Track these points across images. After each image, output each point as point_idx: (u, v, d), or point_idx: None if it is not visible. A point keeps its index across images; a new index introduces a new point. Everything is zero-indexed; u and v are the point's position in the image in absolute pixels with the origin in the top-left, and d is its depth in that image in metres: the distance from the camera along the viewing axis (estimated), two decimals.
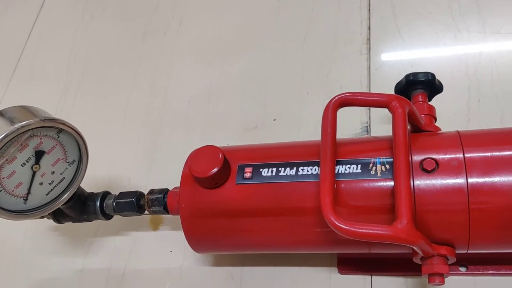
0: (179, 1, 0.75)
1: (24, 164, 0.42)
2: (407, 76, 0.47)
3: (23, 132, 0.41)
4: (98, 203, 0.50)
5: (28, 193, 0.44)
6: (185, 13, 0.74)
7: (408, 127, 0.43)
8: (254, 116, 0.61)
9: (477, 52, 0.58)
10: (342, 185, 0.40)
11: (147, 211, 0.50)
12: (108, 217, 0.51)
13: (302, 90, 0.61)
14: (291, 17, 0.68)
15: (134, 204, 0.49)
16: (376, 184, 0.39)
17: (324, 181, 0.38)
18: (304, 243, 0.43)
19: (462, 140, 0.40)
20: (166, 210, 0.48)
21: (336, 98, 0.41)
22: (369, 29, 0.64)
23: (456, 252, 0.40)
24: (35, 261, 0.58)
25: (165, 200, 0.48)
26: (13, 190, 0.43)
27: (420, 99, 0.47)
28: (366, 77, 0.60)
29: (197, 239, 0.46)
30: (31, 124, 0.41)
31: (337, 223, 0.36)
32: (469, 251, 0.41)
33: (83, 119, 0.65)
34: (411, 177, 0.38)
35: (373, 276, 0.48)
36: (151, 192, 0.49)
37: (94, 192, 0.51)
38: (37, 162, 0.43)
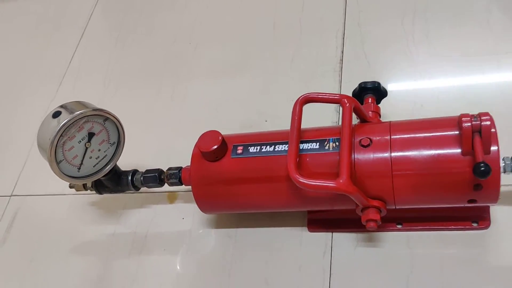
0: (195, 31, 0.94)
1: (80, 141, 0.59)
2: (360, 84, 0.63)
3: (80, 118, 0.58)
4: (129, 177, 0.67)
5: (81, 163, 0.61)
6: (200, 40, 0.92)
7: (357, 120, 0.60)
8: (250, 119, 0.78)
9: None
10: (307, 158, 0.56)
11: (166, 183, 0.66)
12: (136, 188, 0.68)
13: (288, 98, 0.78)
14: (282, 44, 0.85)
15: (157, 177, 0.66)
16: (329, 155, 0.55)
17: (291, 153, 0.54)
18: (280, 202, 0.59)
19: (391, 126, 0.56)
20: (181, 182, 0.65)
21: (303, 96, 0.57)
22: (342, 52, 0.81)
23: (387, 207, 0.56)
24: (77, 228, 0.75)
25: (180, 174, 0.64)
26: (71, 160, 0.60)
27: (370, 101, 0.63)
28: (338, 89, 0.77)
29: (203, 201, 0.62)
30: (86, 112, 0.58)
31: (298, 179, 0.52)
32: (397, 207, 0.56)
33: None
34: (353, 150, 0.54)
35: (333, 233, 0.63)
36: (169, 169, 0.66)
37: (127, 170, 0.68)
38: (89, 140, 0.60)
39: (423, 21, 0.78)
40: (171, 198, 0.74)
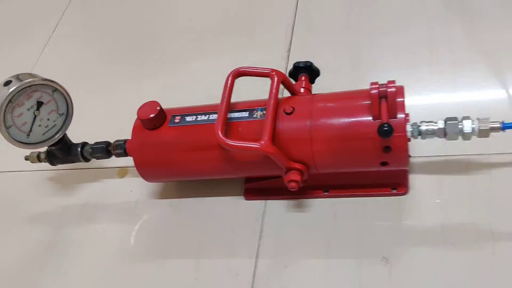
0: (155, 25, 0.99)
1: (29, 109, 0.64)
2: (294, 64, 0.68)
3: (29, 86, 0.62)
4: (79, 148, 0.71)
5: (30, 131, 0.65)
6: (160, 31, 0.98)
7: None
8: (200, 101, 0.83)
9: None
10: (238, 126, 0.61)
11: (113, 154, 0.70)
12: (86, 159, 0.72)
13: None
14: (235, 33, 0.91)
15: (104, 148, 0.70)
16: (256, 122, 0.60)
17: (219, 118, 0.59)
18: (214, 168, 0.64)
19: (313, 97, 0.61)
20: (125, 153, 0.69)
21: (235, 69, 0.62)
22: (290, 43, 0.86)
23: (310, 171, 0.60)
24: (32, 200, 0.79)
25: (125, 145, 0.69)
26: (20, 127, 0.64)
27: (303, 79, 0.68)
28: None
29: (144, 168, 0.67)
30: (35, 81, 0.63)
31: (224, 140, 0.57)
32: (318, 171, 0.61)
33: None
34: (277, 117, 0.59)
35: (268, 201, 0.68)
36: (117, 140, 0.70)
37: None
38: (38, 109, 0.64)
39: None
40: (122, 173, 0.78)
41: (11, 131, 0.63)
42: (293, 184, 0.59)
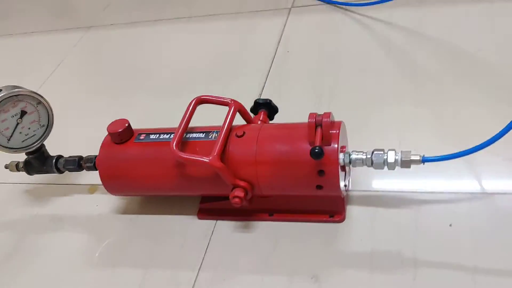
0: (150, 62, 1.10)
1: (13, 116, 0.71)
2: (255, 100, 0.76)
3: (16, 95, 0.71)
4: (54, 160, 0.78)
5: (11, 136, 0.72)
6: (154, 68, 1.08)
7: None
8: None
9: None
10: (195, 146, 0.68)
11: (83, 167, 0.77)
12: (59, 171, 0.78)
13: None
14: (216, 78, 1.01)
15: (76, 162, 0.77)
16: (211, 142, 0.66)
17: (176, 135, 0.66)
18: (170, 184, 0.70)
19: (262, 126, 0.69)
20: (95, 166, 0.76)
21: (196, 97, 0.70)
22: (263, 88, 0.95)
23: (256, 191, 0.66)
24: (7, 208, 0.85)
25: (95, 159, 0.76)
26: (2, 131, 0.71)
27: (262, 115, 0.75)
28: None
29: (108, 180, 0.73)
30: (22, 91, 0.71)
31: (177, 152, 0.64)
32: (263, 192, 0.67)
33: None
34: (229, 139, 0.66)
35: (218, 220, 0.73)
36: (89, 155, 0.77)
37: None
38: (21, 117, 0.72)
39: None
40: (92, 190, 0.84)
41: None
42: (236, 200, 0.65)
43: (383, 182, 0.72)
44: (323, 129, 0.61)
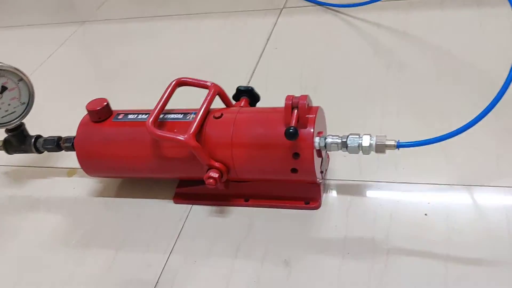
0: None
1: None
2: (237, 87, 0.76)
3: None
4: (33, 139, 0.77)
5: None
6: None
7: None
8: None
9: None
10: (173, 126, 0.67)
11: (62, 146, 0.76)
12: (37, 150, 0.78)
13: None
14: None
15: (55, 141, 0.77)
16: (188, 123, 0.66)
17: (152, 113, 0.66)
18: (146, 164, 0.69)
19: (240, 109, 0.68)
20: (73, 146, 0.75)
21: (176, 79, 0.70)
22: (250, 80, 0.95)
23: (231, 174, 0.66)
24: None
25: (73, 139, 0.75)
26: None
27: (243, 102, 0.75)
28: None
29: (85, 160, 0.72)
30: (3, 66, 0.71)
31: (153, 129, 0.64)
32: (238, 174, 0.66)
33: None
34: (206, 121, 0.66)
35: (194, 205, 0.72)
36: (68, 136, 0.77)
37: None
38: (1, 93, 0.72)
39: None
40: (71, 173, 0.84)
41: None
42: (211, 181, 0.64)
43: (361, 172, 0.71)
44: (299, 111, 0.61)
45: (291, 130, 0.59)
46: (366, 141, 0.60)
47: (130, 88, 1.02)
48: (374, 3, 1.06)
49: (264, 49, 1.04)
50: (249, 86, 0.76)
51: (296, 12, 1.15)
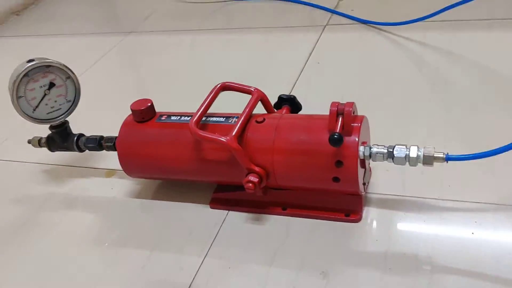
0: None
1: (41, 87, 0.73)
2: (279, 96, 0.76)
3: (46, 65, 0.72)
4: (75, 137, 0.78)
5: (37, 106, 0.73)
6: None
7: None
8: None
9: None
10: (216, 129, 0.66)
11: (103, 145, 0.77)
12: (79, 149, 0.79)
13: None
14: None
15: (97, 140, 0.77)
16: (230, 126, 0.66)
17: (195, 114, 0.66)
18: (187, 166, 0.69)
19: (282, 115, 0.68)
20: (114, 146, 0.75)
21: (220, 83, 0.70)
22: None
23: (270, 180, 0.65)
24: (23, 185, 0.85)
25: (115, 139, 0.76)
26: (29, 100, 0.73)
27: (284, 110, 0.74)
28: None
29: (126, 160, 0.73)
30: (53, 63, 0.73)
31: (195, 129, 0.63)
32: (278, 181, 0.65)
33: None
34: (248, 125, 0.65)
35: (230, 211, 0.71)
36: (110, 136, 0.77)
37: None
38: (49, 89, 0.74)
39: None
40: (109, 174, 0.84)
41: (20, 101, 0.72)
42: (250, 185, 0.63)
43: (404, 188, 0.69)
44: (344, 118, 0.60)
45: (335, 136, 0.58)
46: (413, 152, 0.58)
47: (170, 97, 1.02)
48: (419, 23, 1.04)
49: (306, 63, 1.03)
50: (291, 95, 0.75)
51: (339, 29, 1.15)
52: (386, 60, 1.01)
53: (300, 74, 1.00)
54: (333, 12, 1.21)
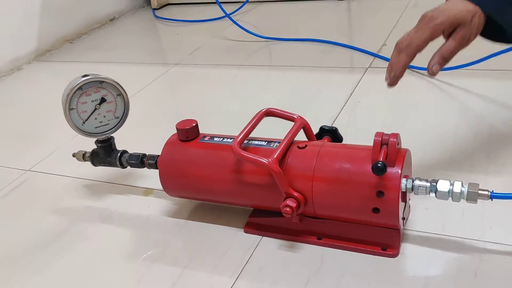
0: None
1: (93, 101, 0.76)
2: (321, 126, 0.76)
3: (100, 81, 0.76)
4: (119, 153, 0.81)
5: (87, 119, 0.76)
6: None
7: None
8: None
9: None
10: (257, 151, 0.67)
11: (145, 163, 0.79)
12: (122, 165, 0.81)
13: None
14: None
15: (139, 157, 0.79)
16: (272, 150, 0.66)
17: (238, 136, 0.67)
18: (226, 188, 0.70)
19: (324, 143, 0.68)
20: (156, 164, 0.77)
21: (265, 108, 0.72)
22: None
23: (308, 207, 0.64)
24: (63, 198, 0.88)
25: (157, 158, 0.78)
26: (80, 113, 0.76)
27: (325, 140, 0.75)
28: None
29: (166, 178, 0.74)
30: (107, 79, 0.76)
31: (237, 149, 0.65)
32: (316, 210, 0.65)
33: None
34: (289, 151, 0.66)
35: (264, 236, 0.71)
36: (152, 154, 0.79)
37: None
38: (100, 103, 0.77)
39: None
40: (147, 193, 0.86)
41: (71, 113, 0.75)
42: (287, 209, 0.63)
43: (443, 227, 0.67)
44: (388, 149, 0.60)
45: (379, 165, 0.58)
46: (457, 187, 0.58)
47: (208, 126, 1.05)
48: (462, 69, 1.05)
49: (346, 101, 1.05)
50: (333, 126, 0.76)
51: (382, 71, 1.15)
52: (428, 104, 1.01)
53: (340, 111, 1.01)
54: (376, 56, 1.23)
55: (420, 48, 0.61)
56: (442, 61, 0.59)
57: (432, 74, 0.61)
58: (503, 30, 0.62)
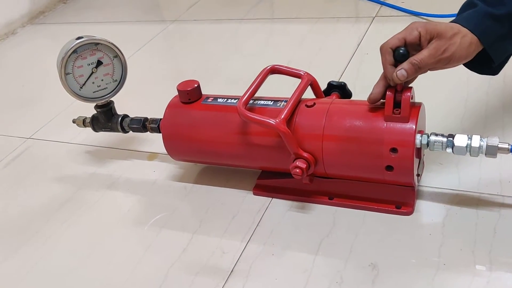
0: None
1: (89, 64, 0.73)
2: (328, 82, 0.73)
3: (95, 43, 0.72)
4: (120, 118, 0.78)
5: (84, 84, 0.73)
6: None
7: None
8: None
9: None
10: (263, 112, 0.64)
11: (148, 127, 0.76)
12: (124, 130, 0.78)
13: None
14: None
15: (141, 121, 0.76)
16: (278, 109, 0.63)
17: (243, 96, 0.64)
18: (231, 149, 0.67)
19: (334, 100, 0.65)
20: (159, 128, 0.74)
21: (270, 66, 0.68)
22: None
23: (318, 167, 0.62)
24: (67, 165, 0.86)
25: (159, 121, 0.75)
26: (77, 77, 0.72)
27: (334, 97, 0.72)
28: None
29: (170, 142, 0.72)
30: (101, 40, 0.72)
31: (243, 111, 0.61)
32: (326, 170, 0.62)
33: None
34: (297, 109, 0.63)
35: (274, 198, 0.69)
36: (154, 118, 0.76)
37: None
38: (96, 67, 0.73)
39: None
40: (151, 157, 0.84)
41: (68, 78, 0.72)
42: (297, 170, 0.61)
43: (460, 182, 0.65)
44: (402, 104, 0.57)
45: (401, 51, 0.55)
46: (475, 142, 0.55)
47: (211, 84, 1.02)
48: None
49: (353, 53, 1.00)
50: (342, 82, 0.72)
51: (389, 20, 1.11)
52: None
53: (348, 64, 0.97)
54: (383, 3, 1.17)
55: (391, 44, 0.58)
56: (409, 67, 0.55)
57: (395, 78, 0.56)
58: (491, 60, 0.60)
